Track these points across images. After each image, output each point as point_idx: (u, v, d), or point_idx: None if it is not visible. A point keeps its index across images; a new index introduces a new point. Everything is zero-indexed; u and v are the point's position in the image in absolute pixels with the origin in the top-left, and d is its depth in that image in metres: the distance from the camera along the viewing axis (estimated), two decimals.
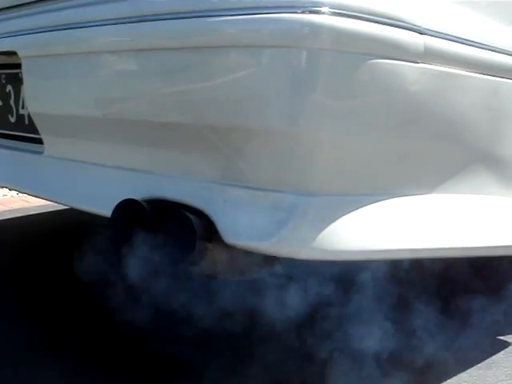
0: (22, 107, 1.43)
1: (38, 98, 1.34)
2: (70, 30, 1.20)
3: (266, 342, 1.35)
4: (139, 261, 1.02)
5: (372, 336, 1.41)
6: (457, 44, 1.11)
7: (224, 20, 0.95)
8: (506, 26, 1.26)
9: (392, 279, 1.74)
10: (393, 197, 1.05)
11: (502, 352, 1.46)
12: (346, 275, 1.24)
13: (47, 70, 1.29)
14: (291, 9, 0.92)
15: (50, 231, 2.62)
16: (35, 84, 1.33)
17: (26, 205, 3.11)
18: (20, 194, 3.36)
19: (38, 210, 2.99)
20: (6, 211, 2.96)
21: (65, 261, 2.06)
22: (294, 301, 1.18)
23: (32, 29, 1.32)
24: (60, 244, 2.36)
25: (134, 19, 1.07)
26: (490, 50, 1.20)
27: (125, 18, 1.09)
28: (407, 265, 1.39)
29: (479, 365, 1.39)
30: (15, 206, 3.11)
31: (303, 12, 0.91)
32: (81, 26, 1.18)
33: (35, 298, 1.77)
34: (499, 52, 1.23)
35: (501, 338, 1.54)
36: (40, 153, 1.40)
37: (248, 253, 1.01)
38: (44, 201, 3.05)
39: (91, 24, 1.16)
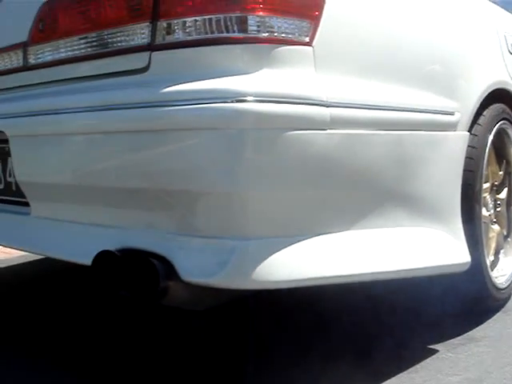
0: (10, 176, 1.67)
1: (24, 168, 1.58)
2: (49, 116, 1.46)
3: None
4: (116, 299, 1.26)
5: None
6: (359, 110, 1.39)
7: (172, 109, 1.23)
8: (404, 86, 1.54)
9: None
10: (314, 236, 1.32)
11: (430, 358, 1.69)
12: None
13: (32, 146, 1.53)
14: (223, 99, 1.20)
15: (31, 278, 2.84)
16: (21, 157, 1.58)
17: (7, 256, 3.32)
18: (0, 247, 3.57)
19: (19, 260, 3.20)
20: None
21: (45, 303, 2.30)
22: None
23: (16, 112, 1.58)
24: (40, 288, 2.59)
25: (102, 107, 1.34)
26: (390, 109, 1.48)
27: (94, 107, 1.36)
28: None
29: (410, 369, 1.62)
30: None
31: (232, 101, 1.19)
32: (59, 112, 1.44)
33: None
34: (399, 110, 1.51)
35: (429, 346, 1.78)
36: (27, 214, 1.64)
37: (203, 288, 1.27)
38: (23, 252, 3.29)
39: (65, 111, 1.43)
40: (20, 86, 1.65)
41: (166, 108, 1.23)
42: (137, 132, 1.29)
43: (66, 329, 2.05)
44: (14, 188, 1.67)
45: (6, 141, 1.62)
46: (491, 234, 2.09)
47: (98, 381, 1.63)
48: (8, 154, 1.63)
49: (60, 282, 2.75)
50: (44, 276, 2.89)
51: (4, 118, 1.61)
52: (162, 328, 2.01)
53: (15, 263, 3.14)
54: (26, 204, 1.64)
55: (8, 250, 3.41)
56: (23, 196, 1.63)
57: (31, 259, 3.18)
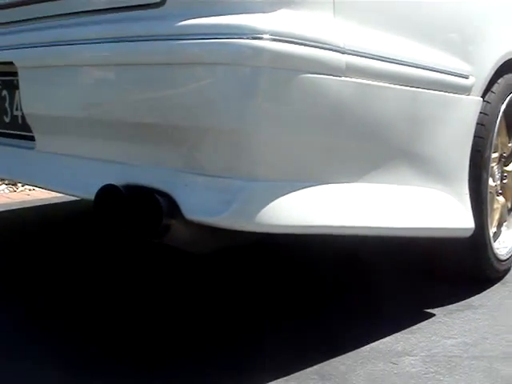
0: (16, 109, 1.66)
1: (32, 101, 1.57)
2: (60, 47, 1.44)
3: None
4: (118, 234, 1.26)
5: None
6: (376, 61, 1.37)
7: (187, 43, 1.21)
8: (421, 43, 1.52)
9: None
10: (321, 184, 1.31)
11: (426, 321, 1.69)
12: None
13: (41, 78, 1.52)
14: (239, 35, 1.18)
15: (31, 224, 2.85)
16: (30, 89, 1.56)
17: (7, 201, 3.33)
18: (1, 192, 3.58)
19: (20, 205, 3.21)
20: None
21: (45, 248, 2.31)
22: None
23: (27, 43, 1.56)
24: (39, 234, 2.59)
25: (115, 39, 1.32)
26: (405, 64, 1.46)
27: (105, 39, 1.34)
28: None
29: (405, 330, 1.63)
30: None
31: (248, 38, 1.17)
32: (69, 43, 1.42)
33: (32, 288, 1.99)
34: (414, 66, 1.49)
35: (426, 310, 1.78)
36: (31, 148, 1.63)
37: (205, 229, 1.26)
38: (25, 197, 3.31)
39: (78, 42, 1.41)
40: (31, 19, 1.62)
41: (180, 41, 1.21)
42: (149, 65, 1.27)
43: (65, 275, 2.05)
44: (20, 121, 1.66)
45: (14, 73, 1.60)
46: (496, 206, 2.08)
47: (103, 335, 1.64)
48: (16, 86, 1.61)
49: (60, 227, 2.75)
50: (44, 221, 2.90)
51: (14, 49, 1.59)
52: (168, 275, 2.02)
53: (16, 207, 3.15)
54: (31, 138, 1.63)
55: (9, 194, 3.43)
56: (29, 130, 1.62)
57: (32, 205, 3.19)
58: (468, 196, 1.74)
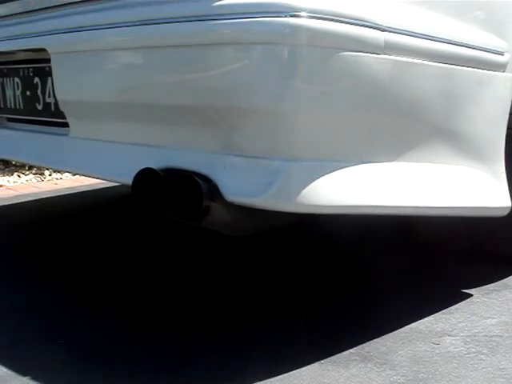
0: (49, 96, 1.66)
1: (65, 87, 1.56)
2: (93, 31, 1.43)
3: None
4: (157, 217, 1.25)
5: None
6: (413, 38, 1.34)
7: (223, 23, 1.19)
8: (457, 20, 1.49)
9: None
10: (361, 163, 1.29)
11: (464, 302, 1.68)
12: None
13: (74, 63, 1.51)
14: (276, 13, 1.16)
15: (61, 212, 2.86)
16: (63, 76, 1.56)
17: (35, 190, 3.35)
18: (29, 181, 3.60)
19: (48, 194, 3.23)
20: (18, 195, 3.20)
21: (76, 236, 2.32)
22: None
23: (59, 29, 1.55)
24: (70, 223, 2.61)
25: (149, 21, 1.31)
26: (442, 42, 1.43)
27: (140, 21, 1.33)
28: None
29: (444, 310, 1.62)
30: (25, 191, 3.32)
31: (285, 16, 1.15)
32: (102, 27, 1.41)
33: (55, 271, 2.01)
34: (451, 43, 1.46)
35: (464, 290, 1.77)
36: (65, 134, 1.63)
37: (245, 211, 1.25)
38: (53, 186, 3.32)
39: (110, 26, 1.40)
40: (62, 5, 1.61)
41: (217, 21, 1.20)
42: (184, 46, 1.25)
43: (93, 263, 2.06)
44: (52, 108, 1.66)
45: (46, 60, 1.60)
46: None
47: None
48: (48, 73, 1.61)
49: (89, 216, 2.76)
50: (72, 210, 2.91)
51: (45, 35, 1.59)
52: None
53: (44, 196, 3.17)
54: (65, 125, 1.63)
55: (37, 184, 3.45)
56: (62, 116, 1.62)
57: (60, 194, 3.22)
58: (504, 174, 1.72)
